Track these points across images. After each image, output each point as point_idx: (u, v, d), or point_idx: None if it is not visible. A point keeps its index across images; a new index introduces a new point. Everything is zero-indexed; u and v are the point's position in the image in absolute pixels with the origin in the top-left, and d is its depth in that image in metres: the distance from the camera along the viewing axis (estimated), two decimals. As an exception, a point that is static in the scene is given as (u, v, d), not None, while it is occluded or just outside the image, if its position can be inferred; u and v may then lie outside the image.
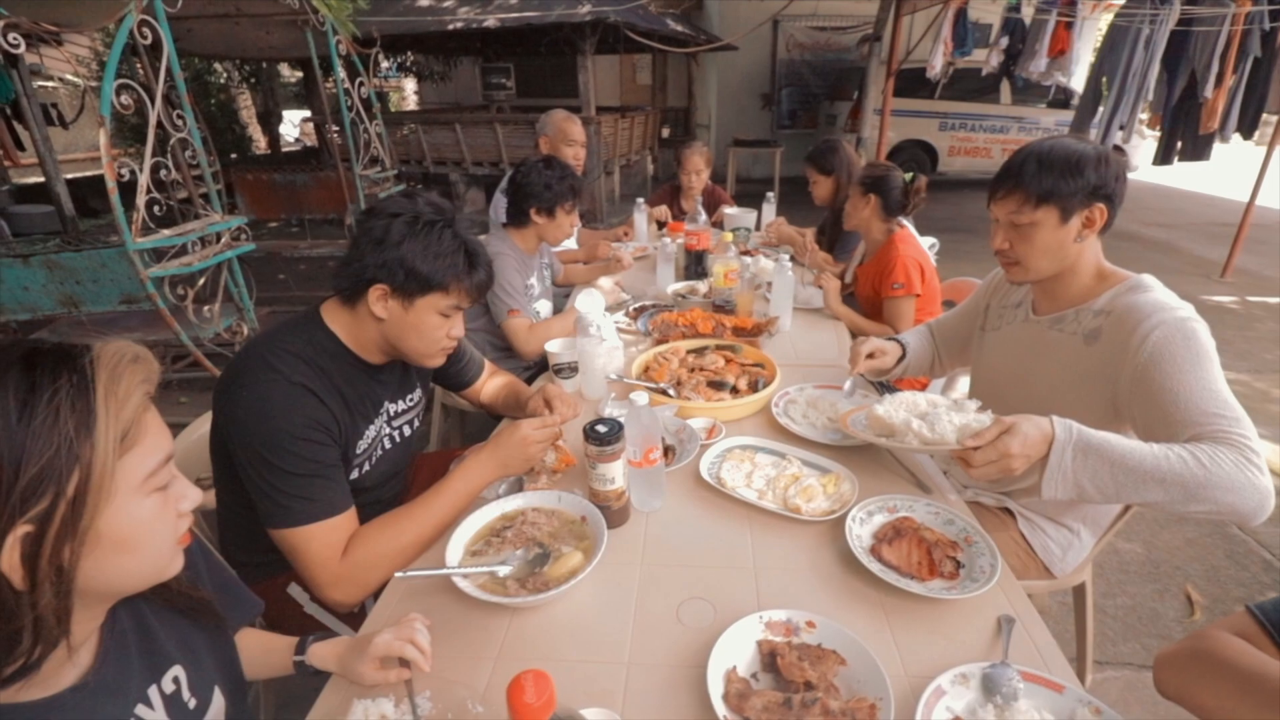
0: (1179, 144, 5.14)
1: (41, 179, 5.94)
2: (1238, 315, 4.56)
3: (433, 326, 1.16)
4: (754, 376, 1.63)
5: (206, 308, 2.97)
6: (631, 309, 2.18)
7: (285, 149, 10.68)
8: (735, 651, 0.86)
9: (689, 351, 1.76)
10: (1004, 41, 4.74)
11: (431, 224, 1.12)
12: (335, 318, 1.20)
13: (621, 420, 1.12)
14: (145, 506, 0.60)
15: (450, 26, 6.19)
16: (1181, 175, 10.01)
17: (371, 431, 1.26)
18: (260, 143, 11.11)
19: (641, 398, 1.13)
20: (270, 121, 10.00)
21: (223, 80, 10.67)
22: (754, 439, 1.38)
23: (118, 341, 0.61)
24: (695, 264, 2.51)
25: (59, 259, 2.82)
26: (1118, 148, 8.57)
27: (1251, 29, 4.38)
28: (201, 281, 2.88)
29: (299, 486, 1.05)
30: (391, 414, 1.34)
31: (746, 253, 2.84)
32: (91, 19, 2.48)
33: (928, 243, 2.88)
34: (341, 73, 4.01)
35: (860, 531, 1.10)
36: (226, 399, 1.07)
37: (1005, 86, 8.19)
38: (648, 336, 1.93)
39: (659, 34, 7.00)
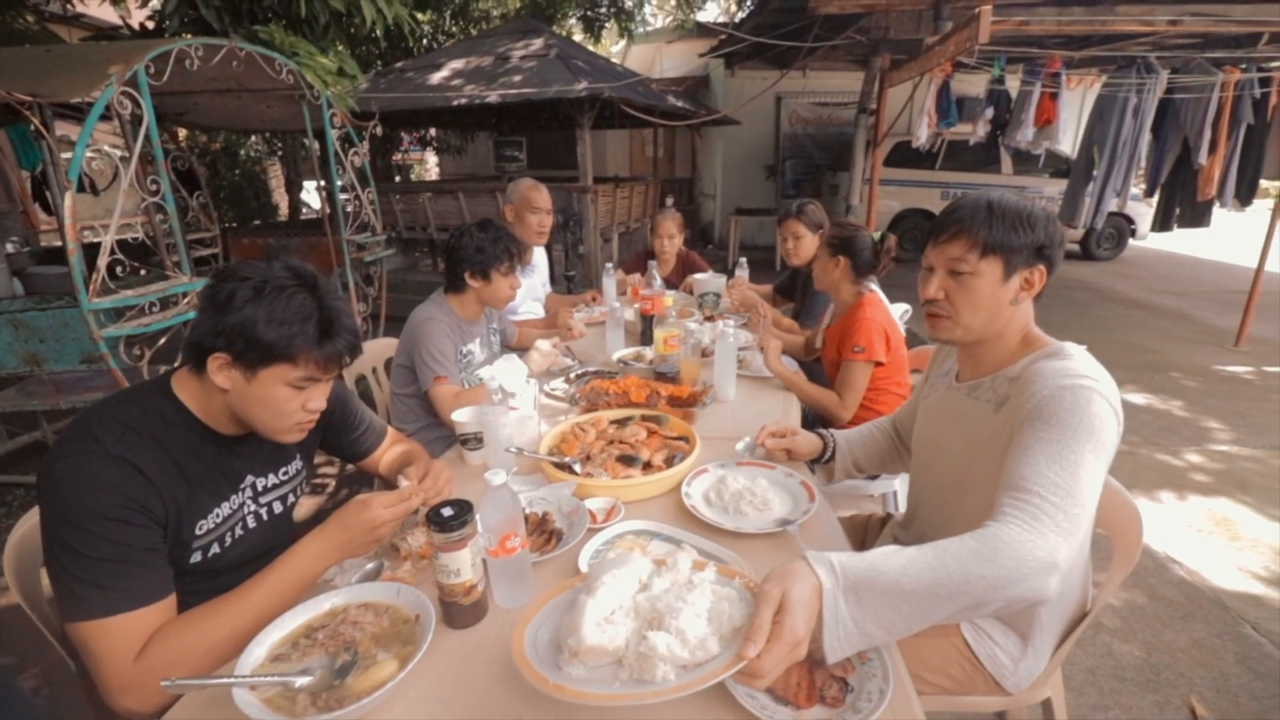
0: (1177, 210, 5.04)
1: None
2: (1254, 386, 4.31)
3: (282, 400, 1.07)
4: (674, 451, 1.50)
5: (165, 369, 2.94)
6: (573, 375, 2.08)
7: (306, 216, 11.07)
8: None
9: (612, 422, 1.64)
10: (989, 112, 4.77)
11: (281, 289, 1.04)
12: (185, 386, 1.11)
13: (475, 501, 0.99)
14: None
15: (455, 102, 6.44)
16: (1190, 241, 9.89)
17: (225, 509, 1.15)
18: (285, 210, 11.56)
19: (498, 476, 1.01)
20: (292, 190, 10.42)
21: (254, 152, 11.24)
22: (652, 523, 1.24)
23: None
24: (649, 329, 2.42)
25: (24, 317, 2.84)
26: (1123, 215, 8.58)
27: (1243, 95, 4.34)
28: (162, 342, 2.87)
29: (99, 573, 0.93)
30: (259, 489, 1.23)
31: (712, 318, 2.76)
32: (71, 90, 2.57)
33: (900, 309, 2.77)
34: (334, 144, 4.14)
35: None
36: (41, 472, 0.98)
37: (1006, 157, 8.24)
38: (575, 405, 1.82)
39: (659, 109, 7.22)
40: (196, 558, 1.11)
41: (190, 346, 1.06)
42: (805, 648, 0.77)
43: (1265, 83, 4.32)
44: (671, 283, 3.39)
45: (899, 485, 2.21)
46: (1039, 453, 0.93)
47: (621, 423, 1.63)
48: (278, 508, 1.28)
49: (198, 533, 1.09)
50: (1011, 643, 1.23)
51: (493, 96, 6.29)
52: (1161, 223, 5.25)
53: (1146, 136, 4.58)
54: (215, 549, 1.14)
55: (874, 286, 2.22)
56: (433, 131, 11.18)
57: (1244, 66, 4.33)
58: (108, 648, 0.92)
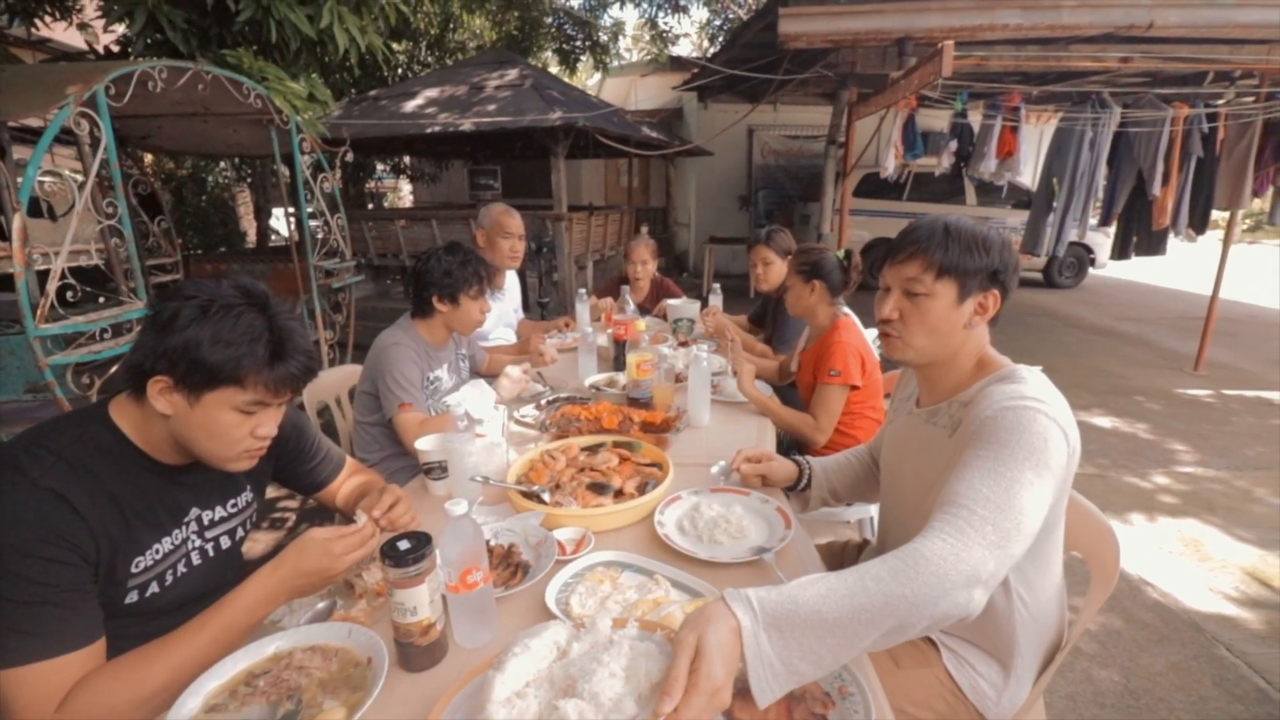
0: (1135, 239, 5.23)
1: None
2: (1214, 409, 4.42)
3: (228, 425, 1.00)
4: (646, 478, 1.46)
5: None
6: (544, 401, 2.04)
7: (274, 244, 10.89)
8: None
9: (583, 449, 1.59)
10: (953, 145, 4.92)
11: (229, 307, 0.98)
12: (124, 413, 1.04)
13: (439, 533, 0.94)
14: None
15: (429, 130, 6.44)
16: (1148, 270, 10.26)
17: (166, 545, 1.07)
18: (253, 237, 11.36)
19: (459, 506, 0.96)
20: (260, 216, 10.27)
21: (223, 178, 11.07)
22: (623, 554, 1.19)
23: None
24: (622, 354, 2.38)
25: (-36, 346, 2.71)
26: (1083, 244, 8.89)
27: (1192, 130, 4.54)
28: (114, 370, 2.75)
29: (18, 617, 0.85)
30: (204, 523, 1.15)
31: (685, 344, 2.74)
32: (26, 110, 2.49)
33: (874, 334, 2.79)
34: (304, 170, 4.08)
35: (712, 678, 0.89)
36: None
37: (970, 188, 8.50)
38: (545, 432, 1.77)
39: (633, 139, 7.31)
40: (133, 597, 1.03)
41: (130, 369, 0.99)
42: (728, 694, 0.72)
43: (1213, 118, 4.53)
44: (645, 308, 3.38)
45: (874, 511, 2.19)
46: (976, 469, 0.92)
47: (593, 449, 1.59)
48: (225, 543, 1.20)
49: (134, 570, 1.02)
50: (993, 671, 1.20)
51: (467, 125, 6.31)
52: (1120, 251, 5.44)
53: (1103, 169, 4.76)
54: (154, 588, 1.06)
55: (848, 310, 2.23)
56: (407, 159, 11.18)
57: (1192, 103, 4.55)
58: (26, 699, 0.84)
